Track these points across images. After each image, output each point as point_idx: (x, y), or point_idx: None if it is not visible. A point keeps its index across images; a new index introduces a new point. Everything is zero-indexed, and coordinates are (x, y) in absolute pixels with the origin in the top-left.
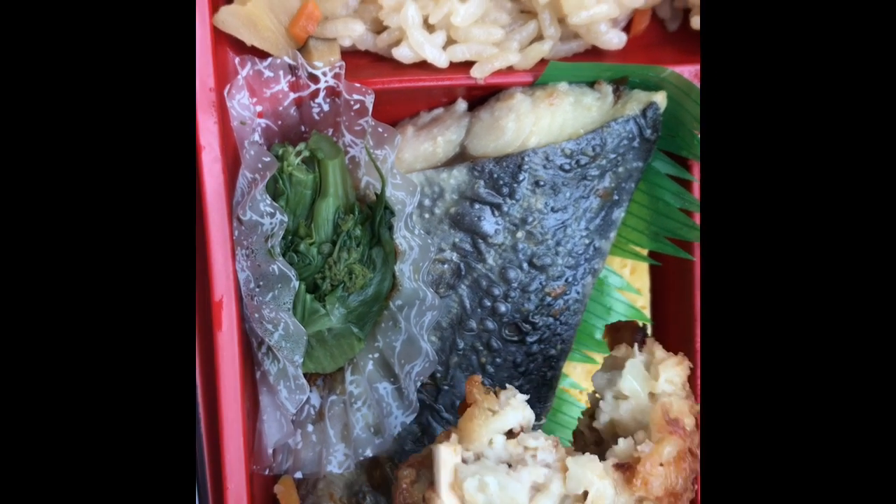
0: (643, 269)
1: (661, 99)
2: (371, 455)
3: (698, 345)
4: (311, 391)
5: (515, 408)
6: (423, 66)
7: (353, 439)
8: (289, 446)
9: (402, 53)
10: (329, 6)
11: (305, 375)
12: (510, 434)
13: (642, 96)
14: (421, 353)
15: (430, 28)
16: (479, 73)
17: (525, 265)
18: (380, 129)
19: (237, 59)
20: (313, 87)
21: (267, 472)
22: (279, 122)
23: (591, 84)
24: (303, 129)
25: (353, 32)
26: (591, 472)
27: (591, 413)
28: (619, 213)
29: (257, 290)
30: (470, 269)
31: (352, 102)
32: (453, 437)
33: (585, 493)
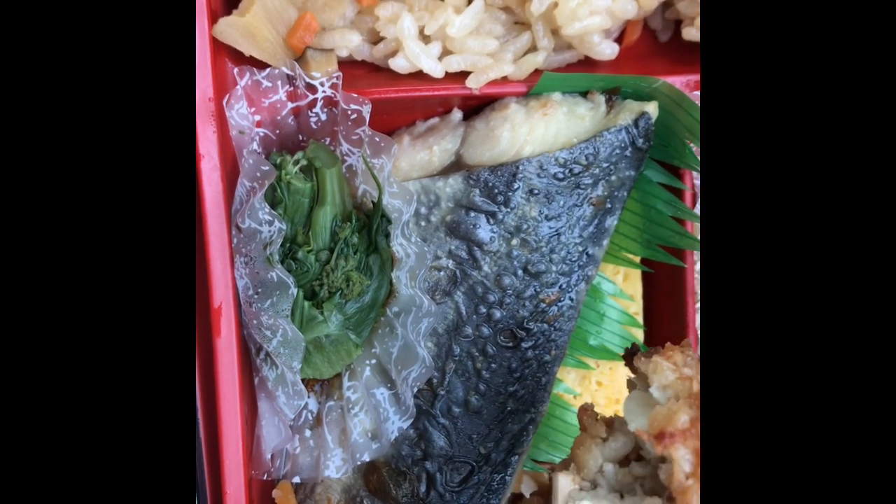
0: (636, 275)
1: (652, 109)
2: (368, 460)
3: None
4: (308, 397)
5: (626, 434)
6: (419, 76)
7: (350, 444)
8: (287, 451)
9: (399, 64)
10: (326, 17)
11: (303, 381)
12: (625, 461)
13: (634, 106)
14: (418, 358)
15: (425, 39)
16: (475, 84)
17: (520, 272)
18: (377, 139)
19: (236, 70)
20: (311, 96)
21: (265, 478)
22: (277, 132)
23: (584, 94)
24: (300, 138)
25: (350, 43)
26: None
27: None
28: (611, 221)
29: (256, 296)
30: (466, 276)
31: (349, 112)
32: (572, 465)
33: None
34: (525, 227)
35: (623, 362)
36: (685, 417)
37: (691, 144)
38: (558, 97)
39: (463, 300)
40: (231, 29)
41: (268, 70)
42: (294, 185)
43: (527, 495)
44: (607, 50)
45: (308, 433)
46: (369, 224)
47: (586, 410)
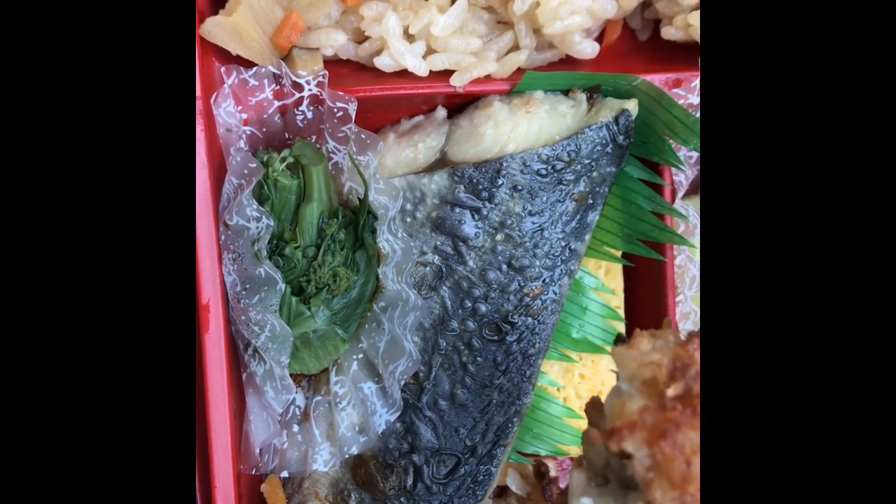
0: (617, 269)
1: (632, 106)
2: (356, 453)
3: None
4: (296, 392)
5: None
6: (403, 74)
7: (338, 438)
8: (275, 446)
9: (384, 62)
10: (311, 17)
11: (291, 376)
12: (626, 454)
13: (615, 104)
14: (404, 352)
15: (410, 38)
16: (459, 82)
17: (504, 267)
18: (363, 136)
19: (223, 69)
20: (297, 95)
21: (254, 472)
22: (264, 130)
23: (566, 92)
24: (287, 136)
25: (336, 42)
26: None
27: None
28: (593, 217)
29: (244, 293)
30: (451, 271)
31: (335, 110)
32: (584, 461)
33: None
34: (509, 222)
35: (606, 354)
36: (634, 407)
37: (670, 141)
38: (541, 95)
39: (449, 295)
40: (218, 29)
41: (254, 69)
42: (281, 182)
43: (512, 487)
44: (588, 49)
45: (296, 428)
46: (356, 220)
47: (594, 405)
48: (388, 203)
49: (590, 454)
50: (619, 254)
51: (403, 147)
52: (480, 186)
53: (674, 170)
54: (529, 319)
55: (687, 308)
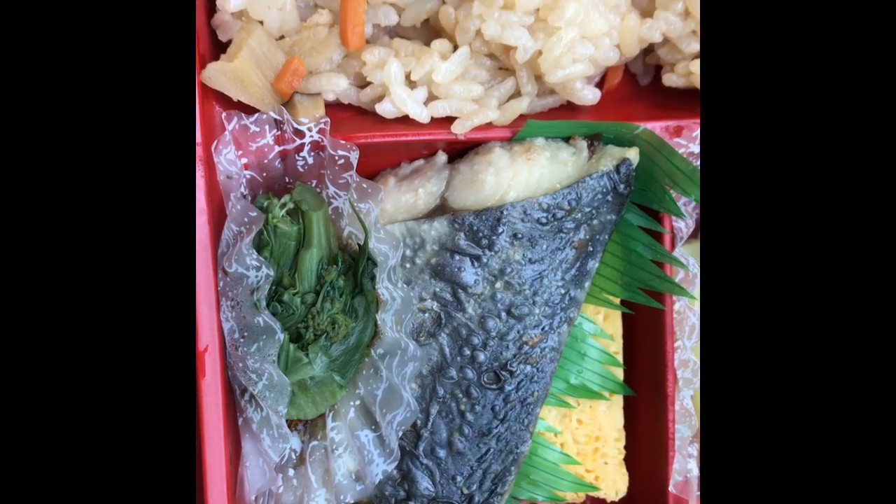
0: (616, 314)
1: (633, 155)
2: (352, 501)
3: (669, 389)
4: (292, 435)
5: None
6: (405, 120)
7: (334, 485)
8: (270, 490)
9: (385, 109)
10: (314, 61)
11: (287, 420)
12: None
13: (616, 152)
14: (402, 402)
15: (411, 84)
16: (460, 130)
17: (503, 314)
18: (364, 185)
19: (224, 114)
20: (298, 141)
21: None
22: (264, 174)
23: (567, 139)
24: (287, 180)
25: (337, 87)
26: None
27: None
28: (593, 264)
29: (242, 340)
30: (450, 318)
31: (336, 158)
32: None
33: None
34: (509, 270)
35: (604, 400)
36: None
37: (671, 191)
38: (541, 142)
39: (447, 342)
40: (220, 75)
41: (256, 115)
42: (281, 228)
43: None
44: (589, 95)
45: (291, 472)
46: (355, 266)
47: None
48: (389, 251)
49: None
50: (618, 301)
51: (404, 192)
52: (480, 234)
53: (674, 217)
54: (528, 367)
55: (686, 356)
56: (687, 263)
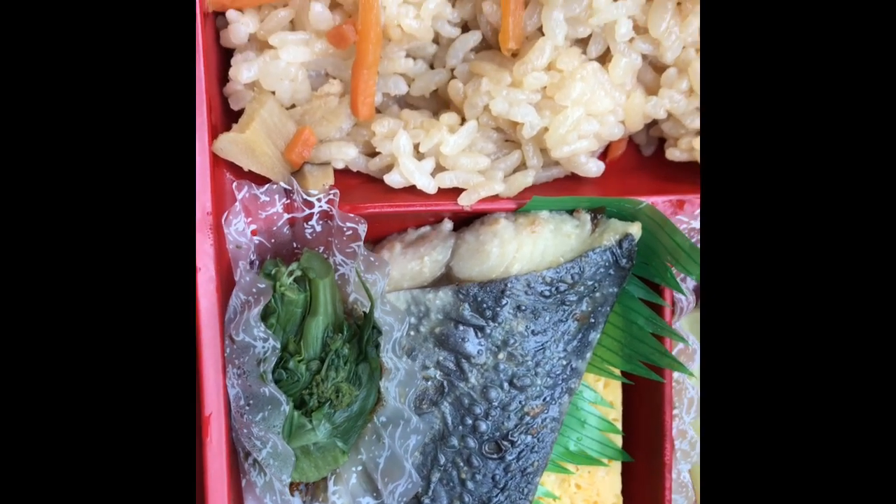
0: (615, 382)
1: (636, 230)
2: None
3: (667, 458)
4: (293, 495)
5: None
6: (412, 190)
7: None
8: None
9: (394, 179)
10: (324, 130)
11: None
12: None
13: (619, 226)
14: (404, 473)
15: (419, 155)
16: (467, 202)
17: (506, 385)
18: (371, 259)
19: (235, 184)
20: (307, 211)
21: None
22: (272, 240)
23: (571, 211)
24: (295, 245)
25: (347, 156)
26: None
27: None
28: (594, 336)
29: (247, 408)
30: (453, 387)
31: (345, 229)
32: None
33: None
34: (512, 341)
35: (603, 466)
36: None
37: (672, 268)
38: (546, 215)
39: (450, 410)
40: (231, 146)
41: (266, 186)
42: (288, 296)
43: None
44: (593, 168)
45: None
46: (360, 334)
47: None
48: (394, 323)
49: None
50: (618, 371)
51: (409, 259)
52: (485, 305)
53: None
54: (529, 438)
55: (683, 427)
56: (686, 338)
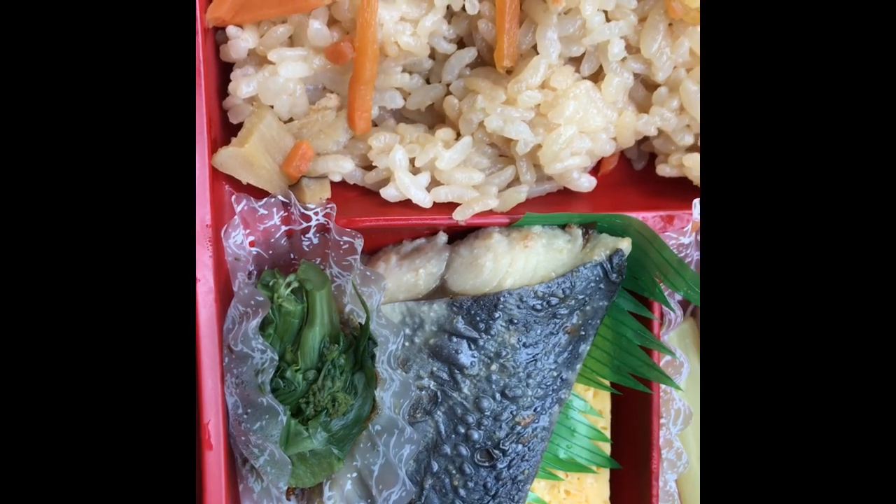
0: (605, 392)
1: (626, 246)
2: None
3: (654, 465)
4: (290, 500)
5: None
6: (407, 203)
7: None
8: None
9: (390, 193)
10: (321, 143)
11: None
12: None
13: (609, 241)
14: (398, 481)
15: (415, 169)
16: (461, 217)
17: (498, 395)
18: (368, 273)
19: (234, 197)
20: (305, 224)
21: None
22: (270, 252)
23: (563, 226)
24: (292, 256)
25: (343, 169)
26: None
27: None
28: (584, 347)
29: (245, 416)
30: (446, 396)
31: (341, 242)
32: None
33: None
34: (504, 353)
35: (592, 473)
36: None
37: (661, 284)
38: (538, 229)
39: (443, 419)
40: (231, 160)
41: (264, 200)
42: (285, 308)
43: None
44: (585, 184)
45: None
46: (356, 344)
47: None
48: (390, 336)
49: None
50: (607, 382)
51: (405, 272)
52: (478, 318)
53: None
54: (520, 447)
55: (670, 436)
56: (674, 351)
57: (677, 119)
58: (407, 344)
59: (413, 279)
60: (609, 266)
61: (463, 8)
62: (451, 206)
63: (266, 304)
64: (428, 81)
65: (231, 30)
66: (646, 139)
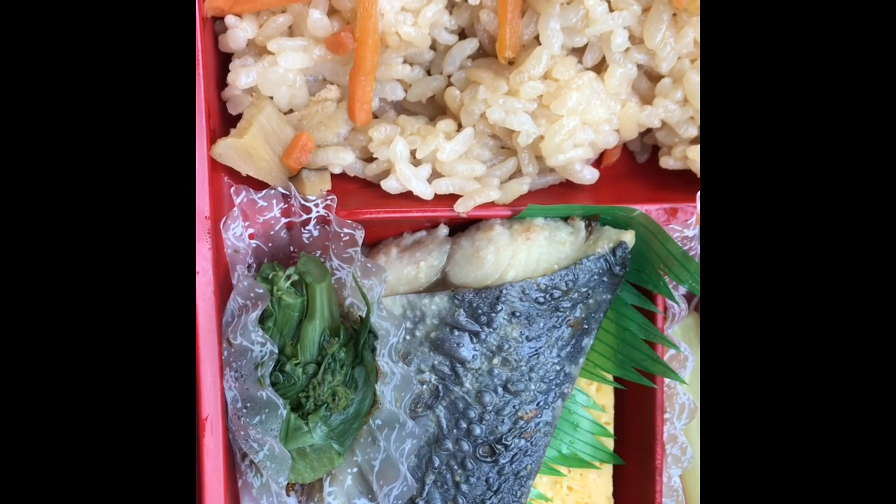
0: (608, 386)
1: (629, 238)
2: None
3: (658, 461)
4: (289, 496)
5: None
6: (408, 195)
7: None
8: None
9: (390, 185)
10: (321, 135)
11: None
12: None
13: (612, 234)
14: (399, 475)
15: (416, 161)
16: (463, 209)
17: (500, 389)
18: (368, 265)
19: (233, 188)
20: (305, 216)
21: None
22: (269, 244)
23: (566, 218)
24: (292, 249)
25: (344, 161)
26: None
27: None
28: (588, 341)
29: (245, 410)
30: (448, 391)
31: (342, 234)
32: None
33: None
34: (506, 346)
35: (595, 469)
36: None
37: (665, 276)
38: (541, 222)
39: (444, 414)
40: (230, 151)
41: (264, 192)
42: (285, 300)
43: None
44: (588, 176)
45: None
46: (356, 338)
47: None
48: (391, 328)
49: None
50: (611, 377)
51: (406, 264)
52: (480, 311)
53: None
54: (523, 441)
55: (675, 431)
56: (678, 345)
57: (681, 111)
58: (408, 337)
59: (414, 272)
60: (612, 259)
61: None
62: (453, 198)
63: (265, 296)
64: (429, 72)
65: (230, 19)
66: (649, 131)
